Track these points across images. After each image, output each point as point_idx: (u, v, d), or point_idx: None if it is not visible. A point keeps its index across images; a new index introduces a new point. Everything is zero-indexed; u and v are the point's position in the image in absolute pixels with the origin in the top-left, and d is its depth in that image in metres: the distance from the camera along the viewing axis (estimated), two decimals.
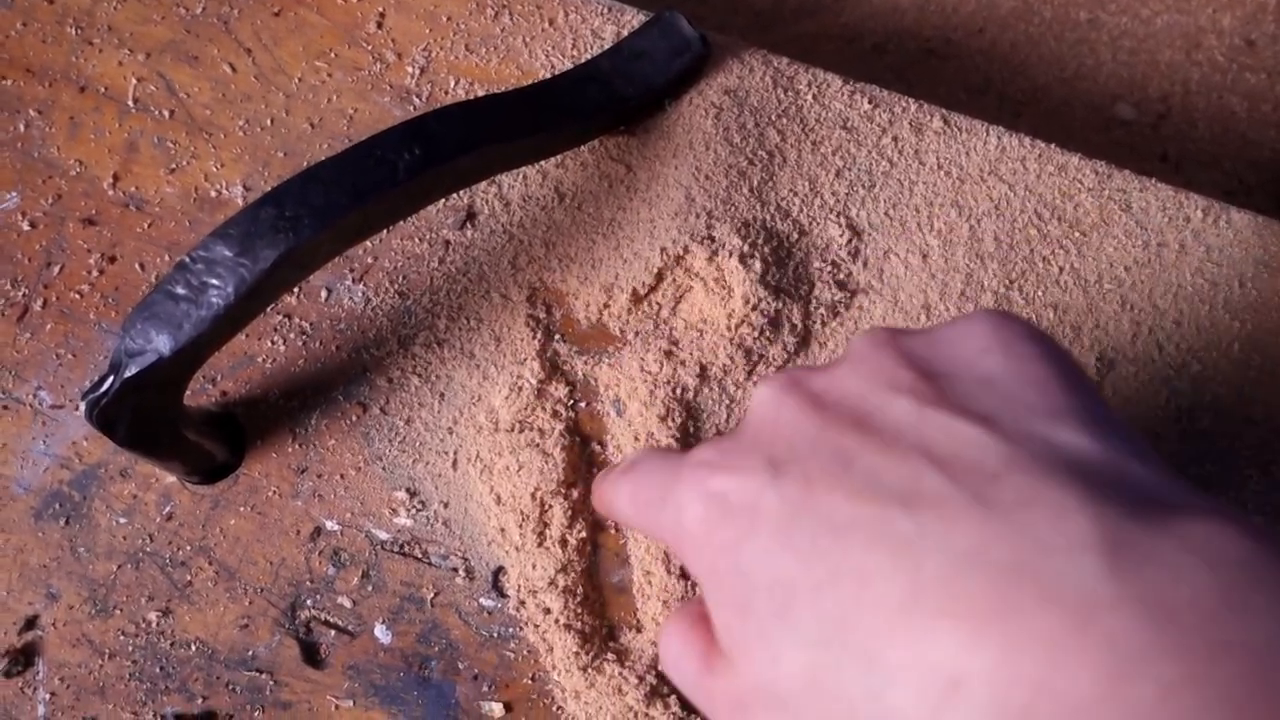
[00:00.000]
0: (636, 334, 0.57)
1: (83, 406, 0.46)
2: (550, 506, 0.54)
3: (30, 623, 0.53)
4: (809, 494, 0.35)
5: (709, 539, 0.37)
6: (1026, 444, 0.34)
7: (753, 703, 0.36)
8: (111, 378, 0.46)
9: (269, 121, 0.60)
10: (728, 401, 0.56)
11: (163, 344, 0.46)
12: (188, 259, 0.46)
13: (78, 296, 0.57)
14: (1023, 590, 0.30)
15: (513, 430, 0.55)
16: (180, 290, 0.46)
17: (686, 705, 0.53)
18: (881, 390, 0.37)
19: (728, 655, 0.38)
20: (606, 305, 0.57)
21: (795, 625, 0.34)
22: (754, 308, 0.56)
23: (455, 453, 0.56)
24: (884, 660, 0.31)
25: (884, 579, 0.32)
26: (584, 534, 0.55)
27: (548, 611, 0.54)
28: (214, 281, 0.46)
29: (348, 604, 0.54)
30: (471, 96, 0.60)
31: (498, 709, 0.53)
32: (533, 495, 0.54)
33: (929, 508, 0.32)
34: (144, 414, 0.48)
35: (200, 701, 0.53)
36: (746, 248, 0.56)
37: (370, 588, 0.54)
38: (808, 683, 0.33)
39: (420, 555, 0.55)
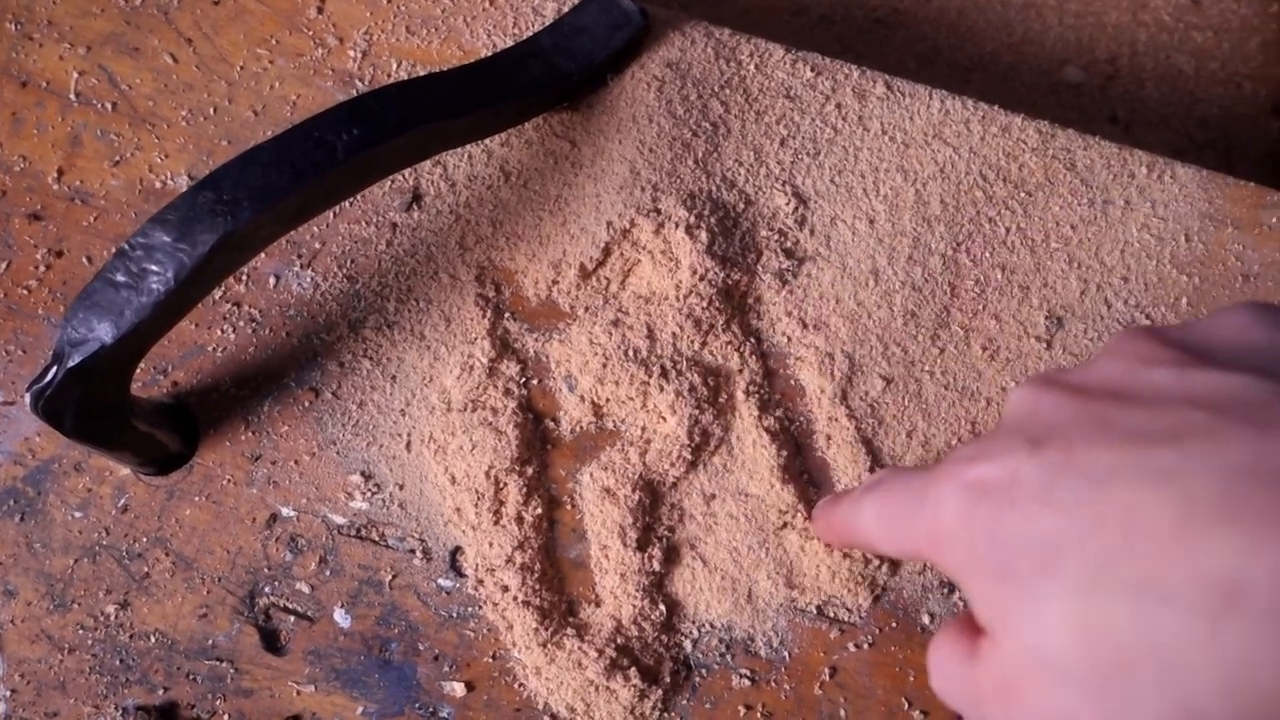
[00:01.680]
0: (586, 309, 0.57)
1: (27, 398, 0.46)
2: (505, 484, 0.54)
3: None
4: (1069, 456, 0.34)
5: (968, 524, 0.36)
6: None
7: (1018, 677, 0.35)
8: (55, 368, 0.46)
9: (212, 111, 0.59)
10: (679, 360, 0.56)
11: (105, 332, 0.46)
12: (127, 246, 0.46)
13: (25, 292, 0.57)
14: None
15: (465, 410, 0.55)
16: (120, 278, 0.46)
17: (646, 676, 0.53)
18: (1141, 367, 0.36)
19: (990, 633, 0.37)
20: (555, 282, 0.57)
21: (1060, 577, 0.33)
22: (702, 278, 0.56)
23: (409, 434, 0.56)
24: (1155, 585, 0.31)
25: (1152, 510, 0.31)
26: (540, 510, 0.55)
27: (506, 589, 0.54)
28: (154, 268, 0.46)
29: (306, 589, 0.54)
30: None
31: (459, 688, 0.53)
32: (487, 474, 0.54)
33: (1196, 438, 0.32)
34: (90, 404, 0.47)
35: (161, 693, 0.53)
36: (693, 219, 0.56)
37: (328, 572, 0.54)
38: (1076, 634, 0.33)
39: (377, 538, 0.55)
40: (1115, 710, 0.32)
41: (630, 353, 0.56)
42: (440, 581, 0.54)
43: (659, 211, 0.57)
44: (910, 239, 0.58)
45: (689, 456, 0.55)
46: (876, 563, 0.55)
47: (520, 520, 0.54)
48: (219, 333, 0.56)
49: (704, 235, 0.56)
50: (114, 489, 0.55)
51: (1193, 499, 0.31)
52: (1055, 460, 0.34)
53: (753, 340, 0.57)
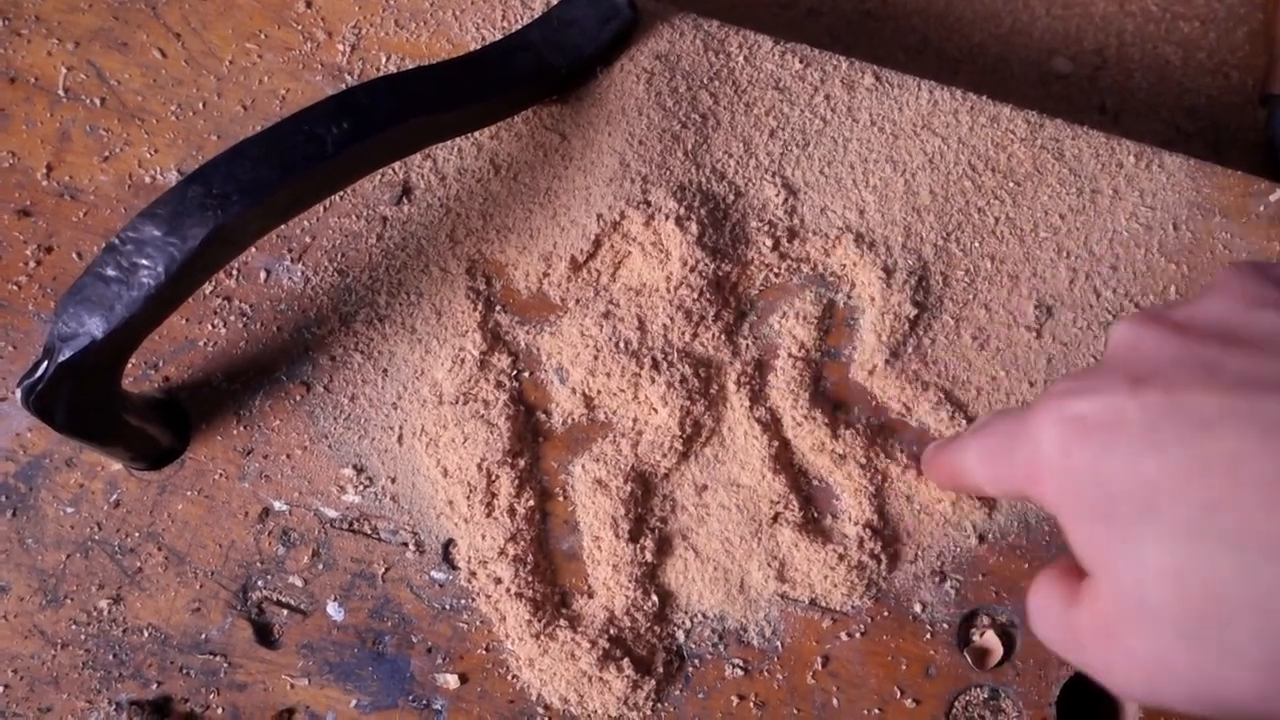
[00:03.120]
0: (577, 301, 0.57)
1: (18, 393, 0.46)
2: (497, 477, 0.55)
3: None
4: (1172, 397, 0.34)
5: (1067, 461, 0.36)
6: None
7: (1117, 622, 0.35)
8: (46, 363, 0.46)
9: (201, 105, 0.59)
10: (670, 353, 0.56)
11: (95, 327, 0.45)
12: (117, 240, 0.46)
13: (15, 288, 0.57)
14: None
15: (457, 402, 0.55)
16: (111, 272, 0.46)
17: (639, 667, 0.53)
18: (1247, 308, 0.36)
19: (1092, 578, 0.37)
20: (546, 274, 0.57)
21: (1160, 521, 0.33)
22: (692, 270, 0.56)
23: (401, 427, 0.56)
24: (1259, 537, 0.31)
25: (1258, 460, 0.31)
26: (532, 502, 0.55)
27: (499, 581, 0.54)
28: (144, 262, 0.46)
29: (299, 583, 0.54)
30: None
31: (453, 680, 0.54)
32: (479, 466, 0.54)
33: None
34: (82, 399, 0.47)
35: (155, 687, 0.53)
36: (683, 211, 0.57)
37: (321, 566, 0.54)
38: (1174, 579, 0.32)
39: (370, 531, 0.55)
40: (1210, 656, 0.32)
41: (621, 345, 0.56)
42: (433, 574, 0.54)
43: (649, 203, 0.57)
44: (901, 229, 0.59)
45: (680, 448, 0.55)
46: (874, 563, 0.55)
47: (512, 512, 0.54)
48: (210, 327, 0.56)
49: (694, 227, 0.56)
50: (106, 484, 0.55)
51: None
52: (1159, 401, 0.34)
53: (743, 331, 0.57)
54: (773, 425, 0.56)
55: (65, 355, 0.46)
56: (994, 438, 0.42)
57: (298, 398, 0.56)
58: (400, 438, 0.56)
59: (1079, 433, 0.36)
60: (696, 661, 0.55)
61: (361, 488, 0.55)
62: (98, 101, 0.59)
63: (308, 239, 0.57)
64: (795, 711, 0.54)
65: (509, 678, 0.54)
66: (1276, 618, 0.30)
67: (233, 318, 0.57)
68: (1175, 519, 0.32)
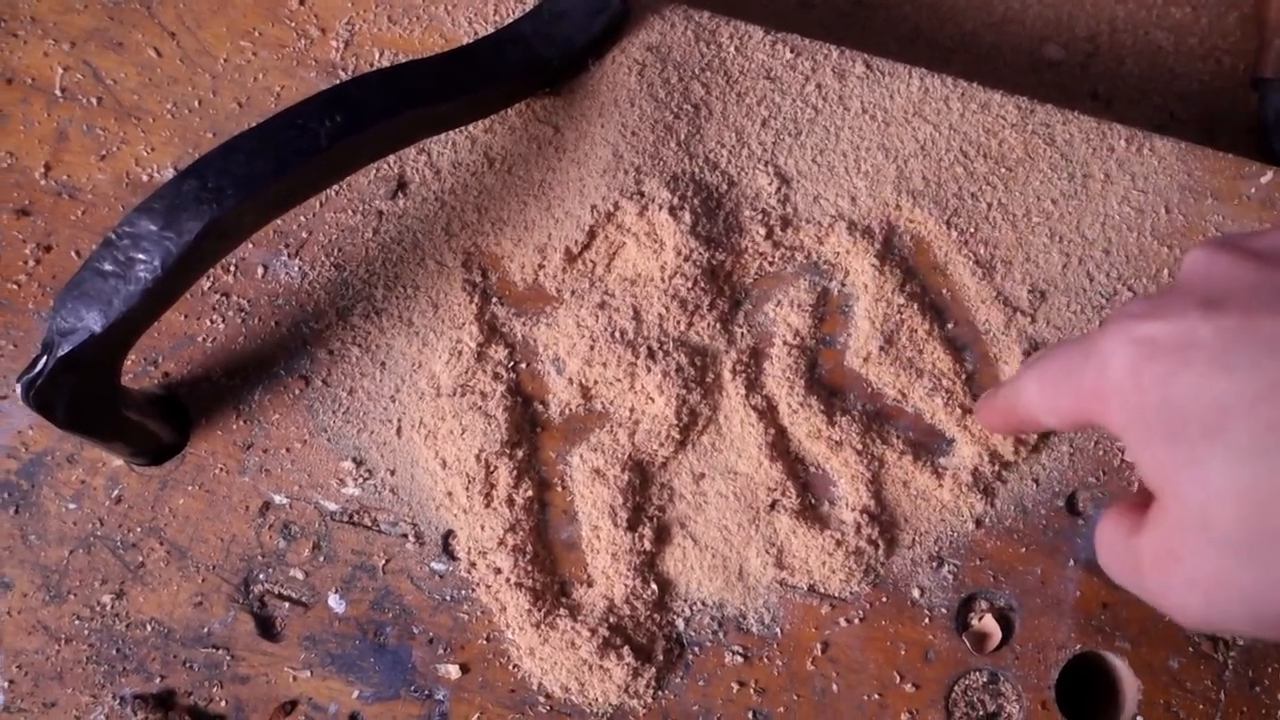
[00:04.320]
0: (573, 292, 0.57)
1: (18, 388, 0.46)
2: (496, 468, 0.55)
3: None
4: (1245, 321, 0.34)
5: (1137, 382, 0.36)
6: None
7: (1180, 543, 0.35)
8: (45, 358, 0.46)
9: (197, 103, 0.60)
10: (666, 342, 0.56)
11: (94, 321, 0.46)
12: (113, 235, 0.46)
13: (15, 287, 0.57)
14: None
15: (455, 394, 0.56)
16: (108, 267, 0.46)
17: (640, 655, 0.54)
18: None
19: (1157, 503, 0.37)
20: (541, 266, 0.58)
21: (1228, 442, 0.33)
22: (686, 259, 0.56)
23: (399, 420, 0.56)
24: None
25: None
26: (530, 493, 0.55)
27: (498, 571, 0.54)
28: (141, 256, 0.46)
29: (300, 576, 0.55)
30: None
31: (454, 670, 0.54)
32: (478, 457, 0.55)
33: None
34: (81, 394, 0.48)
35: (158, 681, 0.53)
36: (676, 200, 0.57)
37: (322, 558, 0.55)
38: (1240, 500, 0.33)
39: (370, 523, 0.55)
40: (1271, 576, 0.33)
41: (617, 334, 0.56)
42: (433, 565, 0.55)
43: (642, 194, 0.57)
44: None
45: (677, 436, 0.56)
46: (871, 549, 0.55)
47: (511, 503, 0.55)
48: (208, 323, 0.57)
49: (687, 216, 0.57)
50: (107, 480, 0.55)
51: None
52: (1232, 324, 0.34)
53: (738, 320, 0.58)
54: (769, 413, 0.57)
55: (64, 350, 0.46)
56: (1057, 364, 0.42)
57: (296, 392, 0.56)
58: (399, 430, 0.56)
59: (1150, 354, 0.36)
60: (696, 649, 0.55)
61: (361, 480, 0.55)
62: (94, 101, 0.60)
63: (304, 234, 0.58)
64: (795, 697, 0.54)
65: (510, 667, 0.54)
66: None
67: (231, 313, 0.57)
68: (1243, 439, 0.33)
